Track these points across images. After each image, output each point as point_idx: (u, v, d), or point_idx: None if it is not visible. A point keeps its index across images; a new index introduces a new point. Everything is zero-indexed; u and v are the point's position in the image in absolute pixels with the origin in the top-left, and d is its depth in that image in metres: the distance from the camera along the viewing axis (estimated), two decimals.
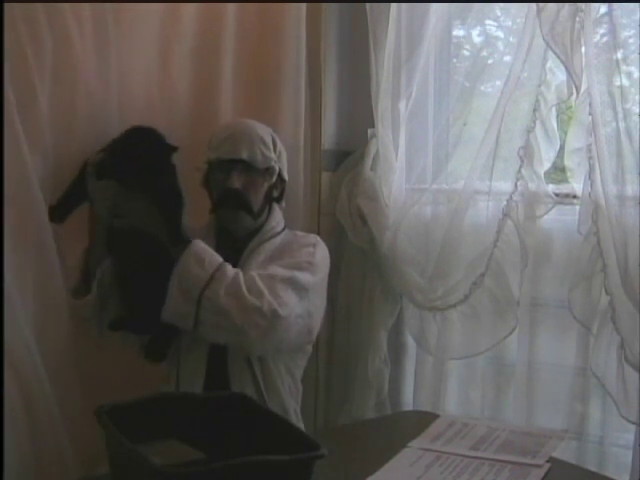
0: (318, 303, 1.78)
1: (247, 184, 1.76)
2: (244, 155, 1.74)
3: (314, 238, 1.86)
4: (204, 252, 1.66)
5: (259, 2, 2.08)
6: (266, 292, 1.62)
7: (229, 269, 1.65)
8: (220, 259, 1.67)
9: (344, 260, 2.26)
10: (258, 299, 1.61)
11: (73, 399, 1.69)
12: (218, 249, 1.78)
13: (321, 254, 1.81)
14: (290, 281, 1.68)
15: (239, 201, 1.76)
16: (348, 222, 2.23)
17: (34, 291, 1.61)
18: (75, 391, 1.71)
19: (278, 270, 1.70)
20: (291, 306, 1.66)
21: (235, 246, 1.82)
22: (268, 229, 1.83)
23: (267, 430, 1.30)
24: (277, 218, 1.87)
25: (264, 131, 1.82)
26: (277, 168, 1.81)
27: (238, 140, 1.76)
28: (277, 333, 1.65)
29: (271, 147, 1.80)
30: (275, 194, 1.86)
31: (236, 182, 1.74)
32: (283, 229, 1.87)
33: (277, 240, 1.83)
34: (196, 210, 1.80)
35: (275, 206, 1.87)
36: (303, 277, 1.71)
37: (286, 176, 1.88)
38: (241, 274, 1.65)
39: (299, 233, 1.90)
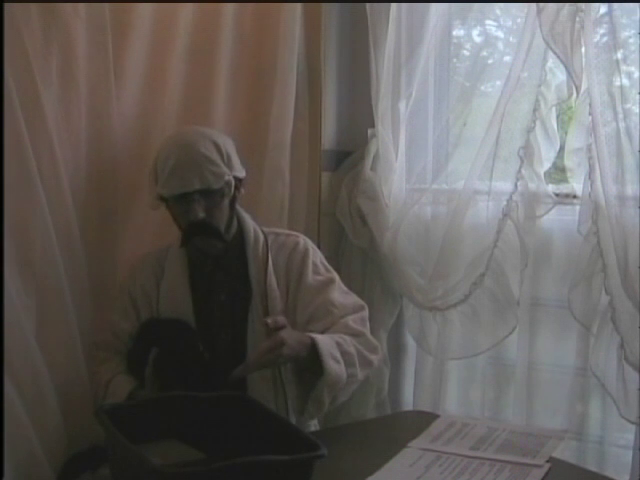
0: None
1: (209, 209, 1.65)
2: (196, 185, 1.61)
3: (303, 242, 1.79)
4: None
5: (258, 2, 2.07)
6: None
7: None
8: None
9: (344, 260, 2.26)
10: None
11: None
12: (194, 267, 1.74)
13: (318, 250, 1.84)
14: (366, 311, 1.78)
15: (207, 230, 1.66)
16: (348, 222, 2.23)
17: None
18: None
19: (348, 307, 1.74)
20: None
21: (215, 263, 1.74)
22: (253, 253, 1.73)
23: (267, 430, 1.31)
24: (249, 226, 1.76)
25: (206, 146, 1.64)
26: (231, 178, 1.67)
27: (184, 171, 1.61)
28: None
29: (219, 161, 1.64)
30: (237, 196, 1.73)
31: (199, 212, 1.63)
32: (265, 239, 1.76)
33: (272, 260, 1.74)
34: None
35: (238, 209, 1.76)
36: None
37: (242, 174, 1.73)
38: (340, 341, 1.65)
39: (278, 234, 1.81)
